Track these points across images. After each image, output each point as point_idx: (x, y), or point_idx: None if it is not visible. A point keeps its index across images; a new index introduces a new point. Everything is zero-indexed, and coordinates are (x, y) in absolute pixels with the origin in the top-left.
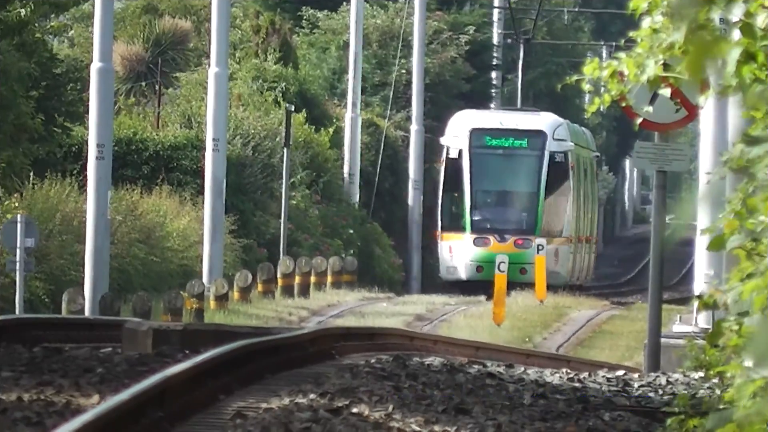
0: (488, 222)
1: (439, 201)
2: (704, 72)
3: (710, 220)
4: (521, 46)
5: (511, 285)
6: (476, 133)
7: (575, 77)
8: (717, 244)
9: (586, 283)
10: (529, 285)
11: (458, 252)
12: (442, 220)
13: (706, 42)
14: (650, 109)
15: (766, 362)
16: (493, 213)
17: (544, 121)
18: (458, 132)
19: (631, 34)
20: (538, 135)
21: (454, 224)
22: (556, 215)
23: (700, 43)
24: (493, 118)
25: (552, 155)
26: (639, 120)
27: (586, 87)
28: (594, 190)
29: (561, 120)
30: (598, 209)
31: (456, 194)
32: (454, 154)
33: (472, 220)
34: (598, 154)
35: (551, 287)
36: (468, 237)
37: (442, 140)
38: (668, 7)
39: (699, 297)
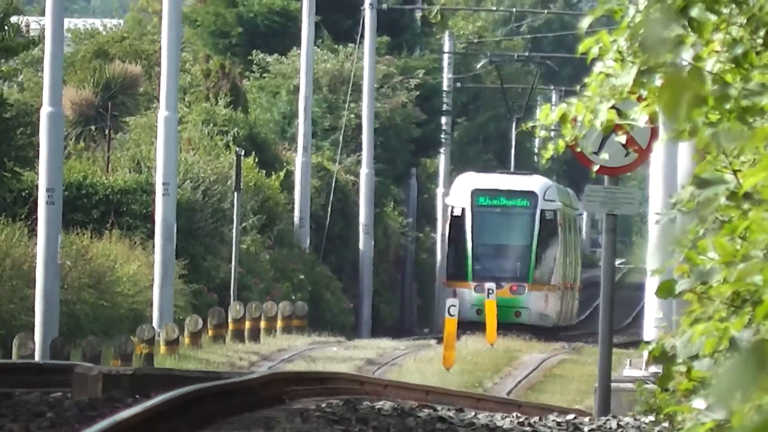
0: (487, 271)
1: (445, 253)
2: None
3: (660, 263)
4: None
5: (506, 326)
6: (477, 194)
7: (530, 124)
8: (665, 291)
9: (571, 323)
10: (523, 326)
11: (462, 297)
12: (447, 269)
13: (682, 80)
14: (605, 156)
15: (724, 405)
16: (491, 263)
17: (536, 183)
18: (461, 192)
19: (584, 80)
20: (531, 195)
21: (458, 273)
22: (546, 265)
23: (676, 81)
24: (491, 180)
25: (543, 213)
26: (595, 167)
27: (542, 134)
28: (577, 243)
29: (550, 182)
30: (580, 259)
31: (459, 247)
32: (457, 212)
33: (473, 270)
34: (581, 211)
35: (540, 329)
36: (470, 285)
37: (447, 200)
38: (637, 48)
39: (647, 343)
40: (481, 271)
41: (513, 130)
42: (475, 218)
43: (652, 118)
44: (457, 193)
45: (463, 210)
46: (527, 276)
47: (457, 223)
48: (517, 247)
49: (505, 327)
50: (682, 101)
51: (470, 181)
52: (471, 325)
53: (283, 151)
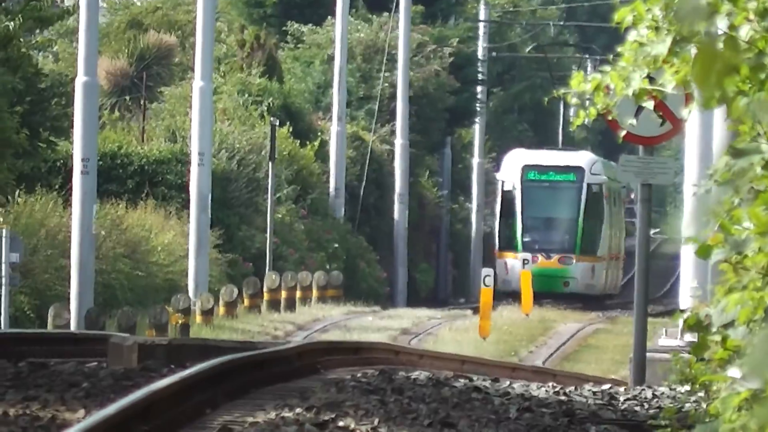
0: (537, 243)
1: (497, 226)
2: (712, 79)
3: (695, 232)
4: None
5: (555, 296)
6: (527, 169)
7: (561, 91)
8: (704, 252)
9: (616, 292)
10: (570, 296)
11: (512, 268)
12: (499, 241)
13: (715, 50)
14: (633, 121)
15: (759, 375)
16: (540, 235)
17: (582, 158)
18: (512, 168)
19: (618, 48)
20: (578, 170)
21: (509, 245)
22: (592, 237)
23: (710, 50)
24: (540, 156)
25: (589, 187)
26: (622, 133)
27: (572, 101)
28: (621, 215)
29: (596, 157)
30: (624, 231)
31: (510, 220)
32: (508, 187)
33: (523, 242)
34: (625, 185)
35: (588, 297)
36: (520, 255)
37: (498, 175)
38: (672, 17)
39: (682, 312)
40: (531, 243)
41: (561, 107)
42: (524, 192)
43: (686, 87)
44: (508, 169)
45: (514, 184)
46: (575, 247)
47: (507, 197)
48: (564, 220)
49: (554, 296)
50: (715, 70)
51: (520, 157)
52: (519, 295)
53: (317, 120)
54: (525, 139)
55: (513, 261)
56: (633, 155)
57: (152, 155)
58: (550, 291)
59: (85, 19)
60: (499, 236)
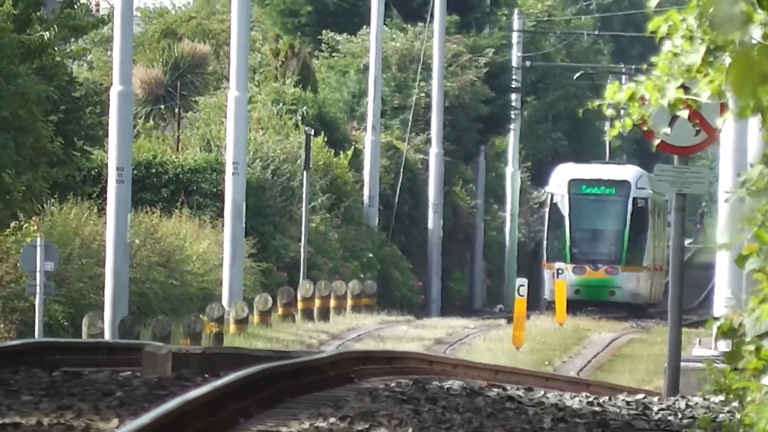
0: (584, 254)
1: (545, 237)
2: (749, 88)
3: (729, 239)
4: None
5: (602, 304)
6: (574, 183)
7: (597, 102)
8: (741, 261)
9: (660, 300)
10: (615, 305)
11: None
12: (547, 252)
13: (751, 58)
14: (668, 130)
15: None
16: (588, 247)
17: (629, 172)
18: (560, 181)
19: (652, 59)
20: (624, 184)
21: (558, 256)
22: (637, 248)
23: (745, 59)
24: (588, 170)
25: (635, 200)
26: (656, 141)
27: (608, 112)
28: (665, 227)
29: (642, 171)
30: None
31: (558, 232)
32: (556, 200)
33: (571, 253)
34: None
35: (633, 306)
36: (568, 266)
37: (547, 188)
38: (707, 26)
39: (716, 319)
40: (579, 254)
41: (606, 125)
42: (572, 205)
43: (720, 96)
44: (557, 182)
45: (562, 197)
46: (621, 258)
47: (556, 209)
48: (611, 232)
49: (600, 305)
50: (751, 80)
51: (568, 171)
52: (570, 304)
53: (351, 130)
54: (559, 148)
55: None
56: (668, 164)
57: (187, 164)
58: (598, 300)
59: (120, 28)
60: (547, 248)
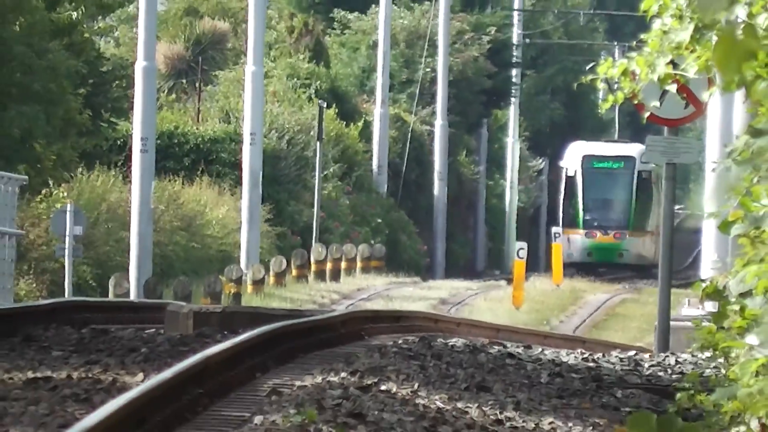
0: (596, 221)
1: (560, 206)
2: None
3: (716, 208)
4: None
5: (611, 265)
6: (587, 158)
7: (590, 76)
8: (725, 227)
9: None
10: (623, 267)
11: (574, 242)
12: (563, 219)
13: (735, 38)
14: (657, 104)
15: None
16: (599, 214)
17: (634, 149)
18: (574, 157)
19: (642, 36)
20: (630, 159)
21: (572, 222)
22: (643, 215)
23: (730, 38)
24: (598, 147)
25: (640, 173)
26: (647, 114)
27: (600, 85)
28: None
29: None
30: None
31: (572, 201)
32: (571, 173)
33: (584, 220)
34: None
35: (640, 267)
36: (581, 231)
37: (561, 163)
38: (690, 4)
39: (702, 281)
40: (591, 221)
41: (616, 107)
42: (585, 178)
43: (707, 72)
44: (571, 158)
45: (576, 171)
46: (628, 224)
47: (570, 182)
48: (619, 201)
49: (610, 266)
50: (735, 57)
51: (581, 147)
52: (583, 266)
53: (362, 103)
54: (557, 119)
55: (575, 236)
56: (659, 136)
57: (207, 135)
58: (608, 262)
59: (145, 6)
60: (563, 215)
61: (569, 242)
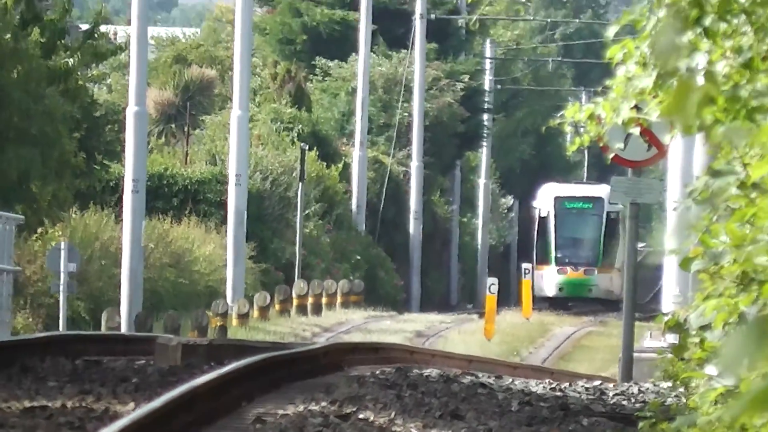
0: (567, 258)
1: (533, 244)
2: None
3: (677, 245)
4: None
5: (581, 300)
6: (558, 199)
7: (558, 120)
8: (686, 263)
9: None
10: (592, 301)
11: (546, 278)
12: (536, 256)
13: (690, 84)
14: (621, 146)
15: (732, 373)
16: (570, 251)
17: (603, 190)
18: (546, 198)
19: (608, 82)
20: (599, 200)
21: (544, 259)
22: (611, 253)
23: (686, 84)
24: (569, 189)
25: (608, 214)
26: (611, 155)
27: (568, 128)
28: None
29: None
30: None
31: (545, 239)
32: (543, 213)
33: (556, 257)
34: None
35: (608, 301)
36: (553, 268)
37: (534, 203)
38: (651, 53)
39: (665, 314)
40: (562, 258)
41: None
42: (557, 217)
43: (669, 116)
44: (543, 199)
45: (548, 212)
46: (597, 261)
47: (543, 221)
48: (589, 239)
49: (580, 300)
50: (690, 102)
51: (553, 189)
52: (554, 300)
53: (342, 145)
54: (527, 159)
55: (547, 272)
56: (623, 176)
57: (195, 176)
58: (578, 296)
59: (136, 55)
60: (535, 252)
61: (542, 278)
